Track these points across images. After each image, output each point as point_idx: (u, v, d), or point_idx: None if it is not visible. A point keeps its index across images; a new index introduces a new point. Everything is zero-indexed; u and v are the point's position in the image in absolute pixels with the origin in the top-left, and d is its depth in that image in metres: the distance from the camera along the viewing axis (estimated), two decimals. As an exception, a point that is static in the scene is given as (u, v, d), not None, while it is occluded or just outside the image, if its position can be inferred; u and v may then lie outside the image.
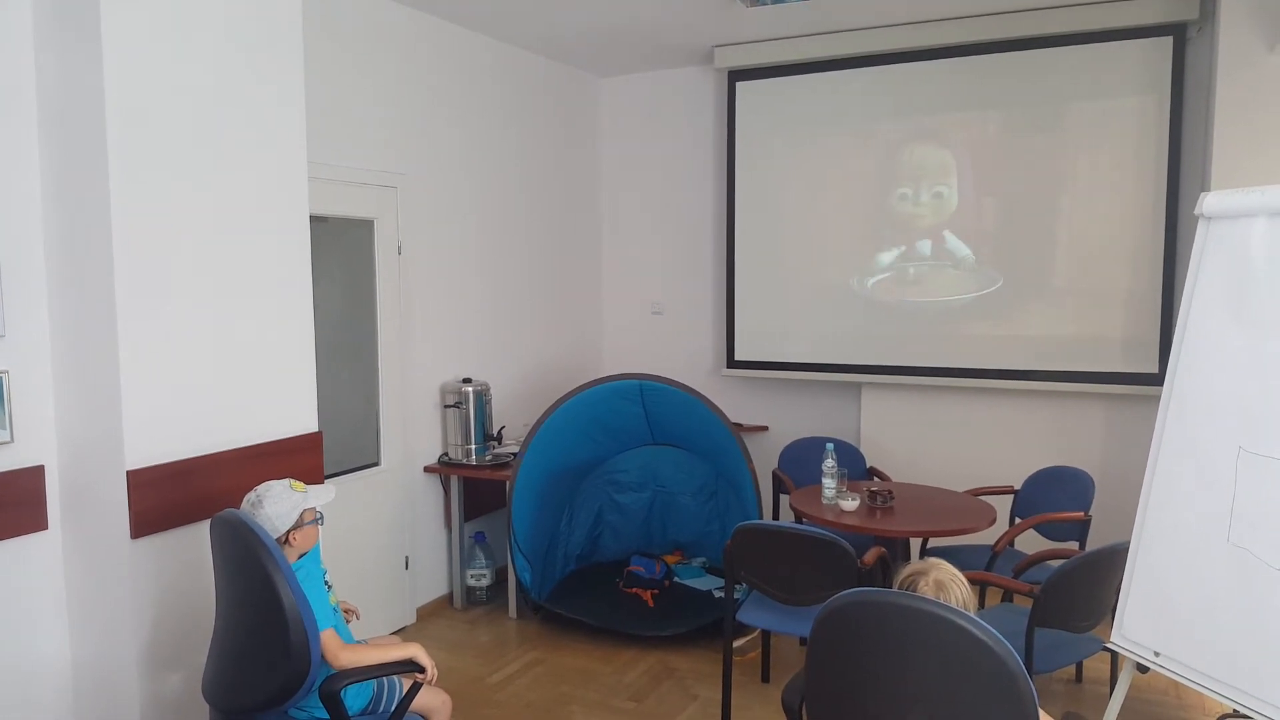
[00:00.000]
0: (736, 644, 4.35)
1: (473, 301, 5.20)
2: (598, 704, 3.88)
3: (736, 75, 5.68)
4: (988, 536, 4.17)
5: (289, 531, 2.59)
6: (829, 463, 4.07)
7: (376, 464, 4.54)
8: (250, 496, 2.62)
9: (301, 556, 2.64)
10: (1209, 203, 2.80)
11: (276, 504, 2.58)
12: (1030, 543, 4.14)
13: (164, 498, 2.87)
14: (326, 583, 2.70)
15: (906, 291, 5.31)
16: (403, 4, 4.59)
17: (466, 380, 4.92)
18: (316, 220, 3.76)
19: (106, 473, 2.80)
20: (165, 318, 2.88)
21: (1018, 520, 4.30)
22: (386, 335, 4.55)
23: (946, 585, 2.13)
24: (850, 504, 3.95)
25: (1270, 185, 2.64)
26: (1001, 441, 5.20)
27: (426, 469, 4.87)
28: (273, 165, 3.23)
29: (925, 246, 5.25)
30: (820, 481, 4.11)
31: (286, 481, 2.66)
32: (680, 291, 6.22)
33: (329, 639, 2.53)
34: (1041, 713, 1.87)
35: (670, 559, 5.16)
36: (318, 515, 2.69)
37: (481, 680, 4.10)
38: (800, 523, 3.87)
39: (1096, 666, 4.04)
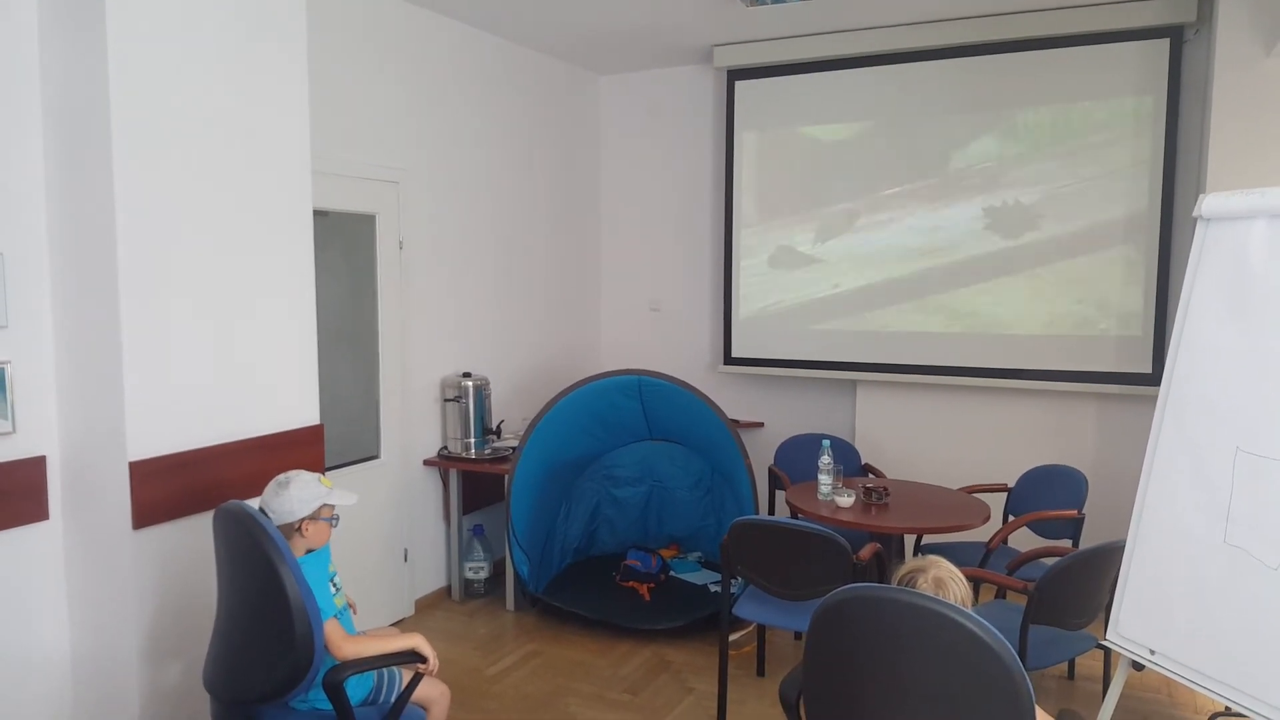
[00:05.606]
0: (732, 638, 4.38)
1: (473, 296, 5.21)
2: (594, 696, 3.91)
3: (736, 74, 5.70)
4: (982, 534, 4.20)
5: (303, 521, 2.61)
6: (825, 459, 4.10)
7: (376, 457, 4.56)
8: (279, 477, 2.67)
9: (309, 552, 2.65)
10: (1208, 204, 2.81)
11: (303, 489, 2.63)
12: (1023, 540, 4.17)
13: (166, 489, 2.88)
14: (335, 584, 2.72)
15: (902, 289, 5.34)
16: (406, 0, 4.60)
17: (466, 374, 4.94)
18: (318, 215, 3.76)
19: (109, 464, 2.81)
20: (168, 309, 2.89)
21: (1011, 518, 4.32)
22: (387, 329, 4.56)
23: (945, 583, 2.15)
24: (846, 500, 3.97)
25: (1269, 187, 2.66)
26: (995, 439, 5.24)
27: (426, 462, 4.88)
28: (276, 159, 3.24)
29: (921, 244, 5.27)
30: (815, 477, 4.14)
31: (316, 474, 2.72)
32: (678, 288, 6.24)
33: (332, 630, 2.55)
34: (1037, 710, 1.89)
35: (666, 553, 5.19)
36: (334, 515, 2.71)
37: (479, 672, 4.12)
38: (796, 518, 3.89)
39: (1088, 663, 4.07)
